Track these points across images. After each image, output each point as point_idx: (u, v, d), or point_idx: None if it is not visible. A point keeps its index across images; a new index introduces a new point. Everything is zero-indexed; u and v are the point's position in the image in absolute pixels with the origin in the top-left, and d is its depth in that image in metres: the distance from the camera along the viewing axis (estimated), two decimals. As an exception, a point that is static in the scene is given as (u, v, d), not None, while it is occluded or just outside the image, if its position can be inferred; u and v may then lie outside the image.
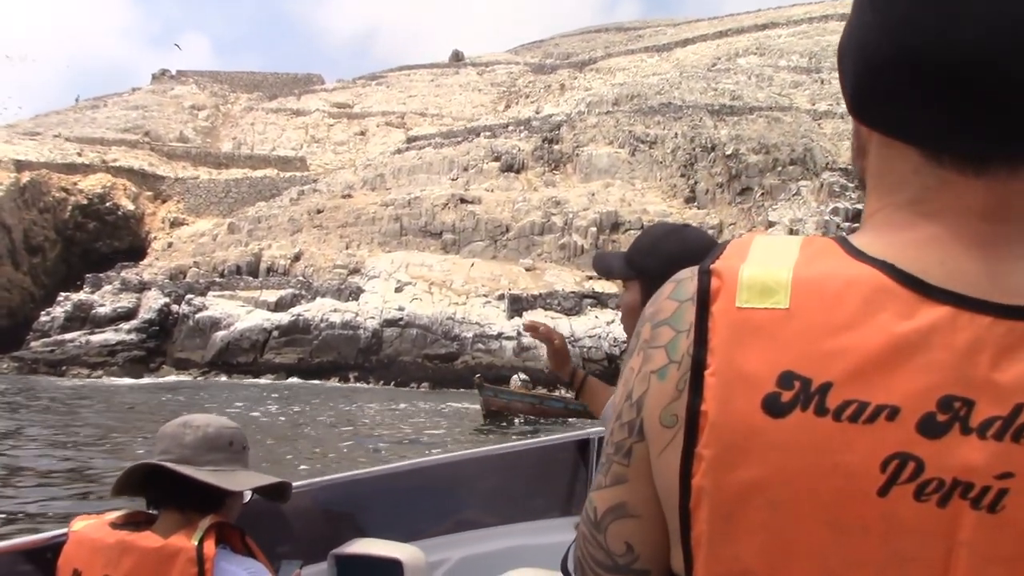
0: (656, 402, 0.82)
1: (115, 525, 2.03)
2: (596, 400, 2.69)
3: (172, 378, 37.50)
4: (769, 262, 0.78)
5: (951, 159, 0.76)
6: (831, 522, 0.72)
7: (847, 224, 37.35)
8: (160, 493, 2.06)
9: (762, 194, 44.98)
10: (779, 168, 45.81)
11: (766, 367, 0.74)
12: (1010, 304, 0.71)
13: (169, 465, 2.01)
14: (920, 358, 0.71)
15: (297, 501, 2.36)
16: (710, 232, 44.64)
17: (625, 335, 1.94)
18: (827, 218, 38.63)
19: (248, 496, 2.20)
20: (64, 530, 2.13)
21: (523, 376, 27.56)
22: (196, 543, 1.91)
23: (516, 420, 22.91)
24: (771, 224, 41.86)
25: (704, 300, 0.79)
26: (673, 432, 0.79)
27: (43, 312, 46.85)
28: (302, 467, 13.25)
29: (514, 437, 20.15)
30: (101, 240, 63.36)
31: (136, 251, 59.22)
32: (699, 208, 47.47)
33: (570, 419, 22.82)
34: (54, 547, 2.14)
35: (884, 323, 0.72)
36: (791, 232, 40.14)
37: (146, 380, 36.55)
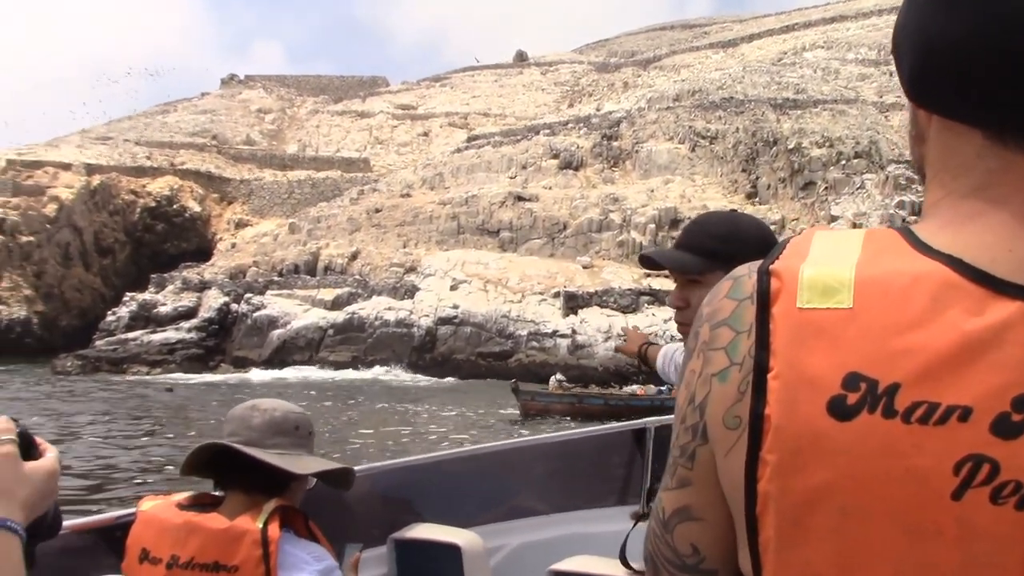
0: (718, 405, 0.80)
1: (182, 506, 2.06)
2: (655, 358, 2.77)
3: (231, 375, 37.76)
4: (831, 260, 0.75)
5: (1015, 139, 0.74)
6: (904, 527, 0.70)
7: (912, 218, 36.12)
8: (227, 474, 2.09)
9: (825, 188, 43.78)
10: (843, 161, 44.54)
11: (831, 369, 0.72)
12: None
13: (237, 446, 2.03)
14: (992, 356, 0.69)
15: (357, 486, 2.36)
16: (772, 227, 43.72)
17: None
18: (892, 211, 37.45)
19: (312, 482, 2.21)
20: (132, 510, 2.17)
21: (559, 376, 26.99)
22: (261, 525, 1.94)
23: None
24: (834, 218, 40.72)
25: (764, 302, 0.77)
26: (737, 434, 0.78)
27: (109, 312, 47.78)
28: (353, 448, 13.09)
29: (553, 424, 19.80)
30: (169, 241, 64.59)
31: (203, 252, 60.17)
32: (760, 203, 46.42)
33: (610, 419, 22.29)
34: (123, 526, 2.18)
35: (953, 321, 0.70)
36: (854, 227, 38.98)
37: (207, 377, 36.87)
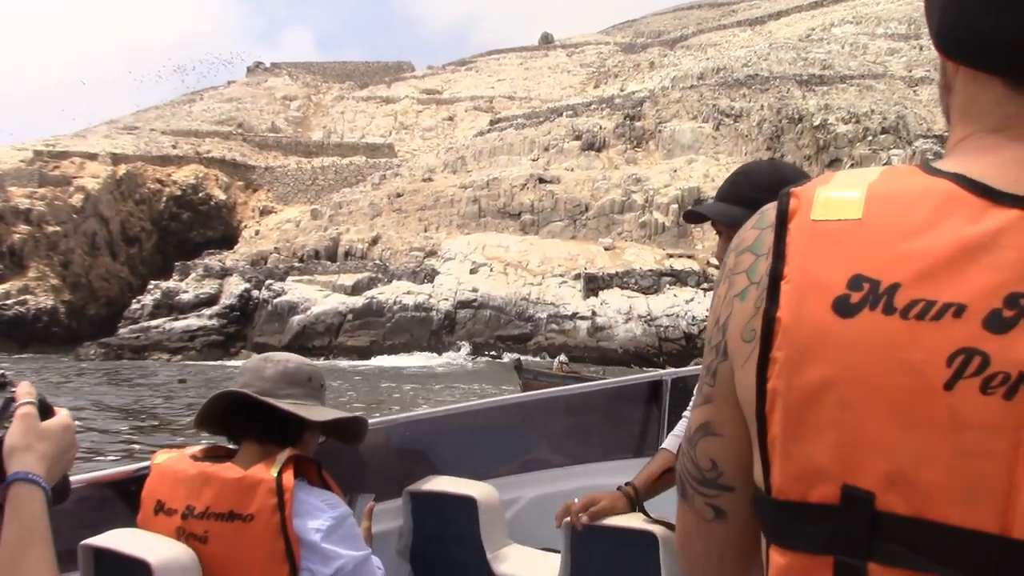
0: (738, 321, 0.85)
1: (196, 458, 2.07)
2: (654, 480, 2.52)
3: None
4: (848, 183, 0.81)
5: None
6: (899, 418, 0.74)
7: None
8: (240, 424, 2.08)
9: (851, 165, 42.84)
10: (870, 138, 43.60)
11: (837, 272, 0.77)
12: None
13: (251, 394, 2.03)
14: (987, 258, 0.73)
15: (372, 438, 2.36)
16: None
17: None
18: (919, 187, 36.57)
19: (322, 437, 2.20)
20: (146, 463, 2.18)
21: (563, 357, 26.48)
22: (275, 474, 1.94)
23: None
24: (859, 195, 39.84)
25: (783, 219, 0.82)
26: (752, 346, 0.82)
27: (134, 300, 47.99)
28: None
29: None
30: (195, 230, 64.76)
31: (229, 240, 60.28)
32: (786, 182, 45.61)
33: None
34: (138, 479, 2.19)
35: (953, 227, 0.74)
36: (880, 203, 38.20)
37: (213, 363, 36.82)
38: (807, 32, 69.95)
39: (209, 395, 2.11)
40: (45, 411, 1.32)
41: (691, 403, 0.91)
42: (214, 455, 2.11)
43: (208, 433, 2.12)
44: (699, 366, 0.96)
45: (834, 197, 0.80)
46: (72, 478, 1.33)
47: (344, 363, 36.21)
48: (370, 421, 2.23)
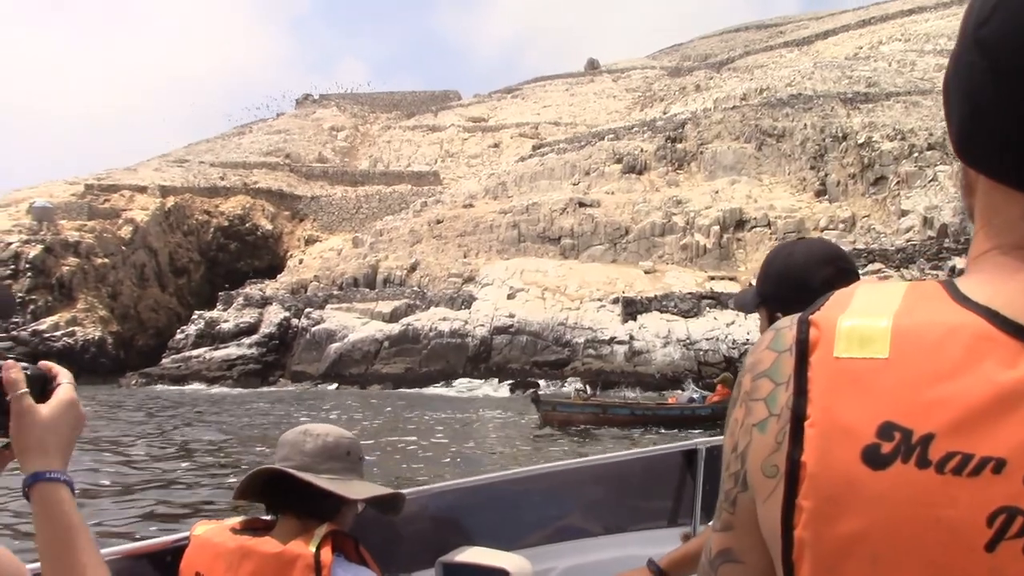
0: (758, 454, 0.82)
1: (235, 530, 2.08)
2: (685, 562, 2.53)
3: (278, 389, 37.63)
4: (870, 311, 0.77)
5: None
6: None
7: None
8: (279, 499, 2.08)
9: (897, 182, 41.83)
10: (915, 154, 42.52)
11: (865, 417, 0.73)
12: None
13: (290, 470, 2.03)
14: None
15: (406, 508, 2.34)
16: (840, 227, 41.96)
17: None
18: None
19: (361, 507, 2.21)
20: (185, 534, 2.19)
21: (579, 385, 25.74)
22: (314, 549, 1.93)
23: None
24: (904, 213, 38.83)
25: (803, 351, 0.78)
26: (774, 483, 0.79)
27: (179, 330, 48.40)
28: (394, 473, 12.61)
29: (576, 441, 18.86)
30: (242, 259, 65.35)
31: (276, 269, 60.67)
32: (830, 201, 44.68)
33: (636, 428, 21.02)
34: (175, 551, 2.22)
35: (987, 372, 0.70)
36: (925, 221, 37.19)
37: (246, 390, 36.82)
38: (855, 51, 69.01)
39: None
40: (42, 385, 1.26)
41: (712, 523, 0.90)
42: (252, 528, 2.10)
43: (244, 502, 2.14)
44: None
45: (857, 329, 0.75)
46: (107, 551, 1.33)
47: (375, 390, 36.03)
48: (406, 491, 2.23)
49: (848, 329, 0.76)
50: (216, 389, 38.14)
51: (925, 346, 0.73)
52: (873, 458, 0.72)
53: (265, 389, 37.10)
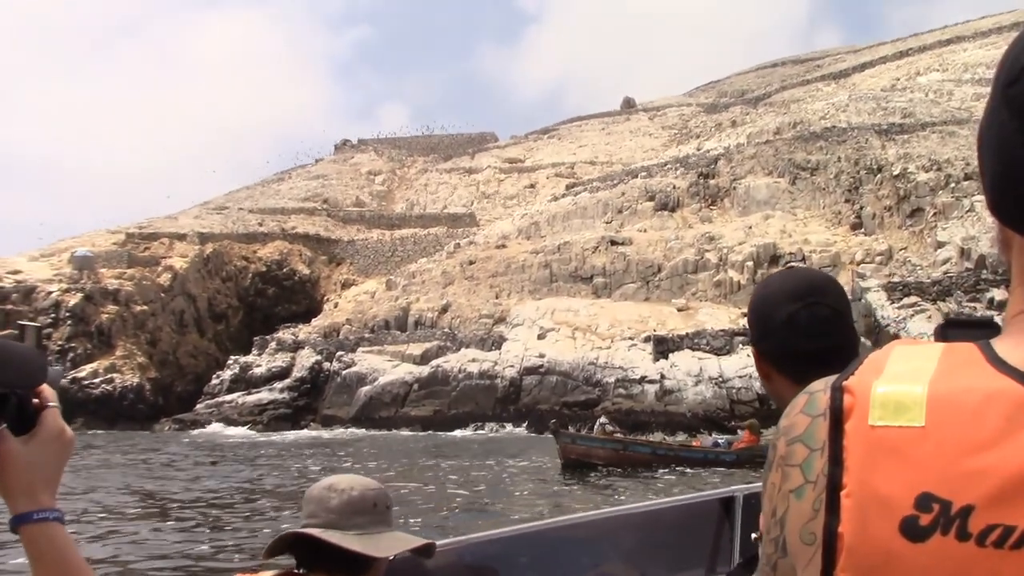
0: (796, 521, 0.81)
1: None
2: None
3: (306, 433, 37.43)
4: (905, 377, 0.76)
5: None
6: None
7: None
8: (309, 557, 2.07)
9: (934, 214, 41.01)
10: (952, 185, 41.70)
11: (903, 489, 0.72)
12: None
13: (316, 533, 2.02)
14: None
15: (440, 559, 2.34)
16: (877, 260, 41.12)
17: None
18: (1004, 234, 34.50)
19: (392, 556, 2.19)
20: None
21: (604, 419, 25.19)
22: None
23: (598, 469, 20.57)
24: (940, 244, 37.97)
25: (837, 418, 0.77)
26: (812, 550, 0.78)
27: (215, 375, 48.69)
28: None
29: (598, 491, 18.37)
30: (280, 304, 65.77)
31: (312, 313, 60.94)
32: (866, 234, 43.91)
33: (658, 468, 20.44)
34: None
35: None
36: (962, 252, 36.33)
37: (273, 437, 36.68)
38: (891, 83, 68.26)
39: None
40: (22, 413, 1.13)
41: None
42: None
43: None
44: None
45: (892, 396, 0.74)
46: None
47: (405, 433, 35.74)
48: (440, 542, 2.17)
49: (883, 396, 0.74)
50: (233, 431, 38.09)
51: (962, 414, 0.71)
52: (912, 530, 0.70)
53: (289, 434, 36.91)
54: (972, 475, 0.69)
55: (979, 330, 0.99)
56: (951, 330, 0.96)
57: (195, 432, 39.10)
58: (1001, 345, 0.75)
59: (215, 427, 39.63)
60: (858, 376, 0.78)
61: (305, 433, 37.14)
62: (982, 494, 0.68)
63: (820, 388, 0.81)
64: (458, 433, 34.69)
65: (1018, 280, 0.79)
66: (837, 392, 0.77)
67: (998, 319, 0.82)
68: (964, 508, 0.68)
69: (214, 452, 26.73)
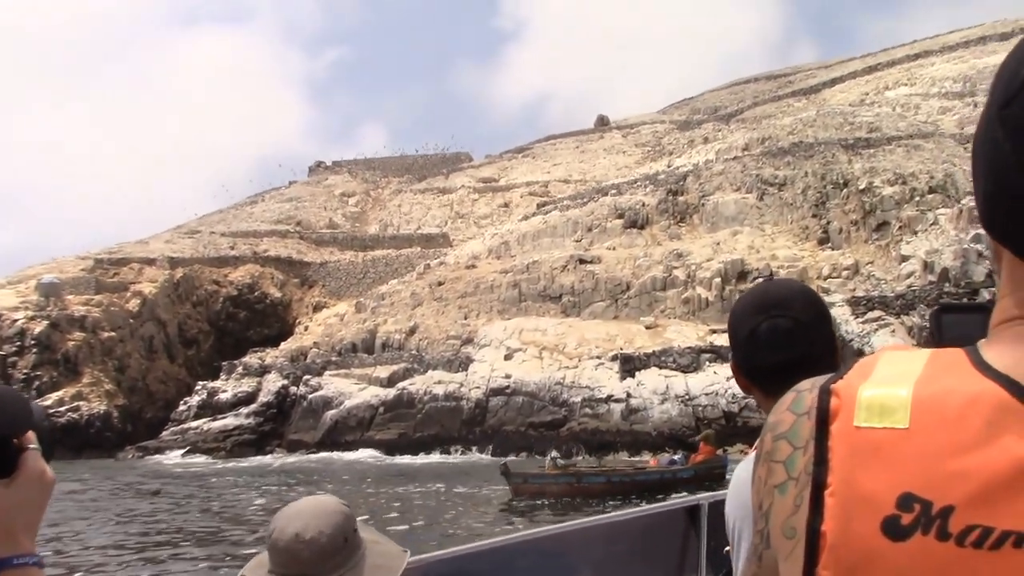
0: (778, 515, 0.83)
1: None
2: None
3: (258, 460, 36.72)
4: (891, 380, 0.77)
5: None
6: None
7: (990, 252, 33.21)
8: None
9: (900, 228, 41.00)
10: (917, 198, 41.73)
11: (885, 488, 0.73)
12: None
13: None
14: None
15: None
16: (844, 275, 41.02)
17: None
18: (967, 246, 34.51)
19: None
20: None
21: (555, 453, 24.70)
22: None
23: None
24: (904, 258, 37.92)
25: (823, 419, 0.79)
26: (793, 543, 0.80)
27: (182, 402, 48.11)
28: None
29: (550, 511, 18.04)
30: (252, 328, 65.14)
31: (284, 337, 60.37)
32: (833, 249, 43.85)
33: (613, 498, 20.02)
34: None
35: (1008, 445, 0.70)
36: (926, 266, 36.29)
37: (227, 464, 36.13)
38: (861, 97, 68.57)
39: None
40: (6, 460, 1.11)
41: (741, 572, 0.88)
42: None
43: None
44: None
45: (878, 399, 0.76)
46: None
47: (364, 458, 35.22)
48: (409, 559, 2.16)
49: (868, 399, 0.76)
50: (191, 460, 37.47)
51: (945, 416, 0.72)
52: (893, 529, 0.71)
53: (244, 461, 36.35)
54: (953, 476, 0.70)
55: (973, 314, 1.06)
56: (945, 315, 1.03)
57: (150, 461, 38.49)
58: (987, 350, 0.77)
59: (174, 456, 39.01)
60: (846, 380, 0.79)
61: (257, 460, 36.38)
62: (963, 495, 0.69)
63: (807, 387, 0.83)
64: (420, 459, 34.12)
65: (1006, 290, 0.80)
66: (825, 394, 0.79)
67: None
68: (945, 508, 0.70)
69: (167, 482, 26.23)
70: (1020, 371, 0.73)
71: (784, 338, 1.72)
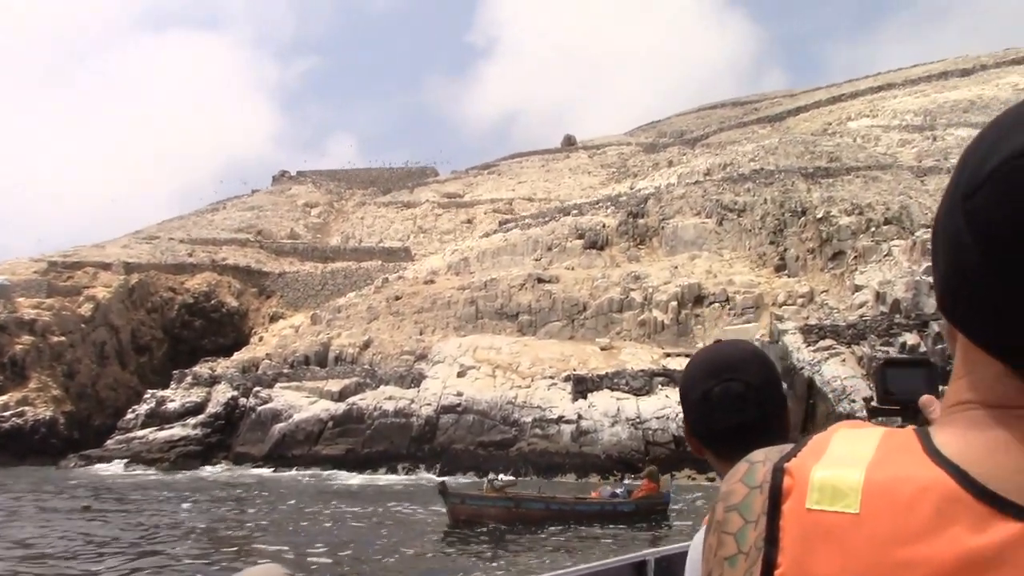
0: None
1: None
2: None
3: (193, 475, 35.88)
4: (843, 462, 0.77)
5: None
6: None
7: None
8: None
9: (855, 257, 41.27)
10: (872, 229, 42.05)
11: (835, 573, 0.73)
12: None
13: None
14: (993, 575, 0.69)
15: None
16: (798, 302, 41.19)
17: None
18: (919, 278, 34.73)
19: None
20: None
21: (492, 475, 24.42)
22: None
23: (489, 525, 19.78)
24: (857, 288, 38.14)
25: (776, 499, 0.79)
26: None
27: (130, 410, 47.30)
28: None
29: (488, 542, 17.74)
30: (207, 337, 64.27)
31: (240, 347, 59.62)
32: (789, 276, 44.05)
33: (552, 524, 19.76)
34: None
35: (956, 536, 0.70)
36: (878, 296, 36.48)
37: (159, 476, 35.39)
38: (824, 127, 69.18)
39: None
40: None
41: None
42: None
43: None
44: (681, 545, 0.96)
45: (830, 481, 0.76)
46: None
47: (307, 475, 34.61)
48: None
49: (821, 480, 0.76)
50: (134, 471, 36.70)
51: (895, 504, 0.72)
52: None
53: (180, 475, 35.64)
54: (901, 566, 0.69)
55: (915, 368, 1.13)
56: (889, 368, 1.07)
57: (91, 470, 37.69)
58: (939, 435, 0.77)
59: (113, 466, 38.22)
60: (800, 459, 0.79)
61: (192, 474, 35.47)
62: None
63: (760, 459, 0.83)
64: (358, 479, 33.31)
65: (960, 372, 0.80)
66: (778, 473, 0.79)
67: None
68: None
69: (99, 494, 25.63)
70: (969, 459, 0.73)
71: (737, 402, 1.74)
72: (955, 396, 0.80)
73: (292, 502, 24.04)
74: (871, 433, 0.79)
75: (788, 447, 0.83)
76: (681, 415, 1.88)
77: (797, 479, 0.77)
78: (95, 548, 15.03)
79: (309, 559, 14.45)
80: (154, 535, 16.71)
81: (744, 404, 1.73)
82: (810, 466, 0.77)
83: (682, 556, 2.05)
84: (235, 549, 15.05)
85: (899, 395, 1.31)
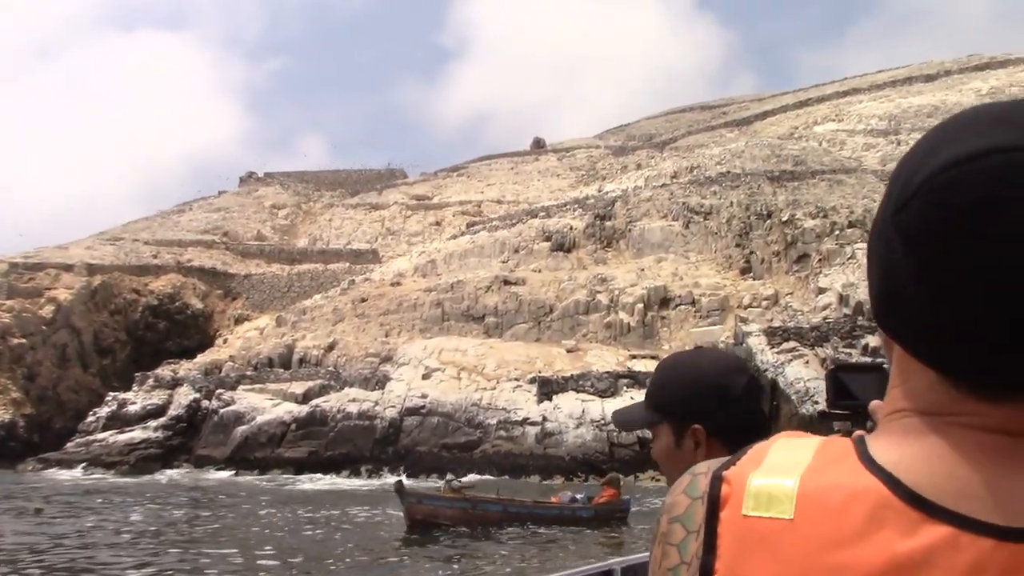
0: None
1: None
2: None
3: (152, 479, 35.29)
4: (780, 470, 0.79)
5: (966, 384, 0.76)
6: None
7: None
8: None
9: (819, 260, 41.50)
10: (836, 232, 42.31)
11: None
12: (1013, 527, 0.71)
13: None
14: None
15: None
16: (763, 304, 41.40)
17: None
18: (881, 281, 34.92)
19: None
20: None
21: (450, 476, 24.30)
22: None
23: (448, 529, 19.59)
24: (821, 291, 38.34)
25: (714, 507, 0.81)
26: None
27: (91, 412, 46.67)
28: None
29: (447, 547, 17.55)
30: (171, 339, 63.55)
31: (205, 349, 59.03)
32: (755, 279, 44.21)
33: (510, 526, 19.62)
34: None
35: (886, 540, 0.72)
36: (841, 299, 36.68)
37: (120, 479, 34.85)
38: (791, 131, 69.62)
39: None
40: None
41: None
42: None
43: None
44: (647, 554, 0.98)
45: (765, 489, 0.77)
46: None
47: (264, 479, 34.20)
48: None
49: (756, 488, 0.77)
50: (92, 475, 36.11)
51: (828, 510, 0.74)
52: None
53: (144, 478, 35.14)
54: (832, 570, 0.71)
55: (866, 374, 1.15)
56: (841, 373, 1.09)
57: (47, 474, 37.10)
58: (874, 442, 0.78)
59: (72, 470, 37.61)
60: (739, 467, 0.81)
61: (149, 478, 34.88)
62: None
63: (703, 471, 0.84)
64: (319, 483, 32.91)
65: (896, 381, 0.81)
66: (716, 481, 0.80)
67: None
68: None
69: (49, 497, 25.18)
70: (903, 467, 0.74)
71: (763, 393, 1.76)
72: (891, 405, 0.81)
73: (247, 507, 23.68)
74: (809, 442, 0.81)
75: (728, 457, 0.84)
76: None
77: (735, 487, 0.79)
78: (33, 555, 14.69)
79: (258, 563, 14.19)
80: (93, 542, 16.35)
81: (765, 396, 1.76)
82: (747, 473, 0.79)
83: (648, 565, 2.07)
84: (179, 552, 14.75)
85: (850, 400, 1.31)
